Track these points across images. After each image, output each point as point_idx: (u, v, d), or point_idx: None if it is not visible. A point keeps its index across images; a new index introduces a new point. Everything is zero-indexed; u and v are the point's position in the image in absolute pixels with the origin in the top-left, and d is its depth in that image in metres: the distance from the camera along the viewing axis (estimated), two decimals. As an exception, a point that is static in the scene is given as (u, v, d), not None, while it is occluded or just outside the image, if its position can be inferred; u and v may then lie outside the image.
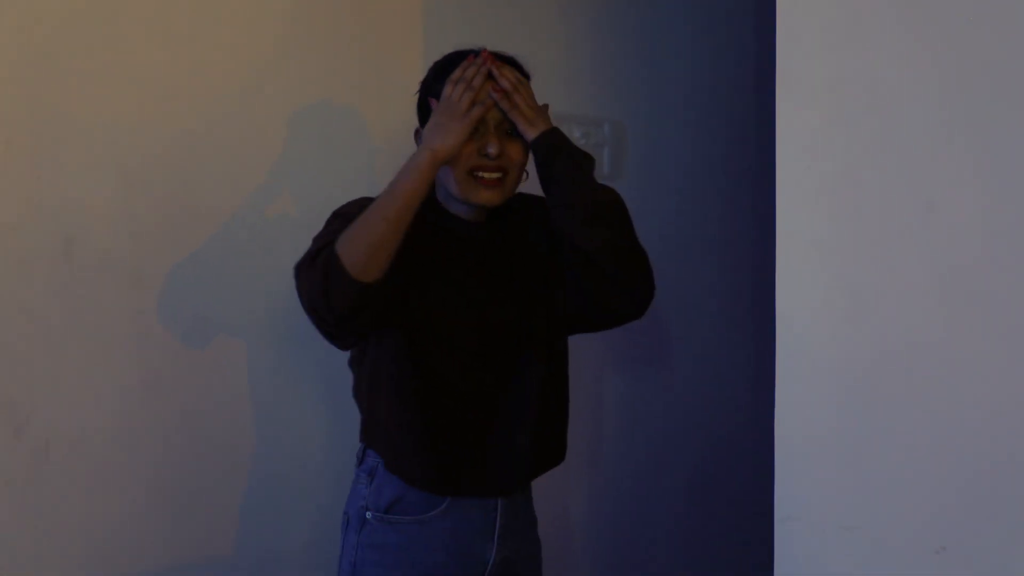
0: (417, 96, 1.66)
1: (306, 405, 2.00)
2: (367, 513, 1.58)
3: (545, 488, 1.78)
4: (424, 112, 1.62)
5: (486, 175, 1.56)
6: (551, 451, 1.69)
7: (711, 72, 2.83)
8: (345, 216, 1.51)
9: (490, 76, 1.56)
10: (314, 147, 2.00)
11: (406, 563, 1.56)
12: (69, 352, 1.72)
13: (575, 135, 2.44)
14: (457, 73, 1.55)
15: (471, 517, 1.59)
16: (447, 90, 1.54)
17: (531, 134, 1.56)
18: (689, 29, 2.77)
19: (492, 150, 1.54)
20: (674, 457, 2.74)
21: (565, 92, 2.43)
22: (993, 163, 0.97)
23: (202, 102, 1.85)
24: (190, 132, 1.84)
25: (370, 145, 2.08)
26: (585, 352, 1.98)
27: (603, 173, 2.51)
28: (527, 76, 1.65)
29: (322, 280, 1.40)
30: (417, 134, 1.62)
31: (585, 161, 1.58)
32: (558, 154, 1.55)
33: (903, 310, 1.06)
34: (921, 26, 1.03)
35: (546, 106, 1.63)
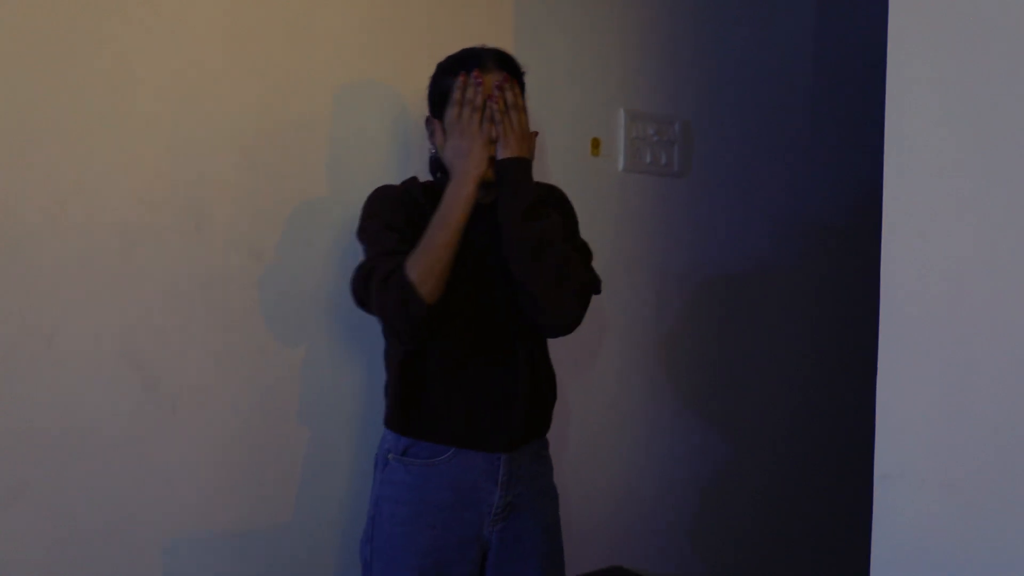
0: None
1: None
2: (389, 455, 1.79)
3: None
4: (435, 103, 1.79)
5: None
6: (539, 422, 1.85)
7: (770, 74, 2.95)
8: (381, 220, 1.72)
9: (498, 88, 1.72)
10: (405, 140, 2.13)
11: (416, 499, 1.75)
12: (196, 317, 1.85)
13: (649, 132, 2.57)
14: (457, 95, 1.72)
15: (475, 464, 1.77)
16: (453, 113, 1.71)
17: (504, 153, 1.71)
18: (751, 31, 2.89)
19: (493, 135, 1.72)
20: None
21: (640, 92, 2.56)
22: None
23: (316, 92, 1.99)
24: (303, 117, 1.97)
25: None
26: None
27: (673, 169, 2.64)
28: (521, 74, 1.80)
29: (400, 305, 1.61)
30: (428, 121, 1.81)
31: (538, 205, 1.72)
32: (515, 187, 1.71)
33: (998, 288, 1.17)
34: (1017, 27, 1.14)
35: (535, 133, 1.79)
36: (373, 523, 1.80)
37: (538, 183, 1.80)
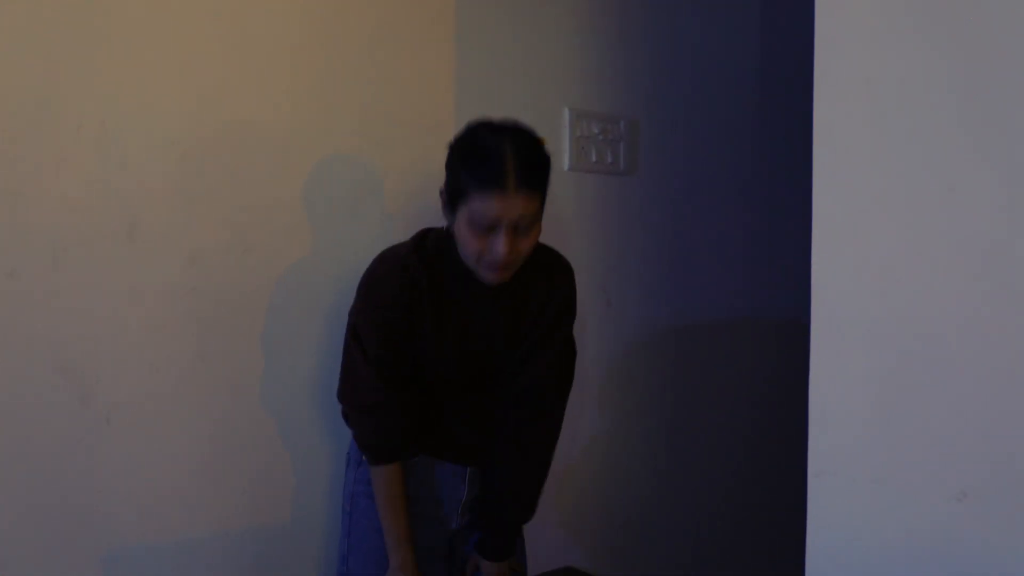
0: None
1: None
2: (362, 455, 1.85)
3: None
4: (449, 191, 1.69)
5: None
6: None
7: (717, 72, 2.97)
8: (376, 339, 1.74)
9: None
10: (356, 139, 2.11)
11: None
12: (130, 326, 1.81)
13: (594, 131, 2.57)
14: None
15: (445, 466, 1.89)
16: None
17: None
18: (697, 30, 2.90)
19: (500, 249, 1.63)
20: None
21: (585, 90, 2.56)
22: (1008, 151, 1.10)
23: (254, 92, 1.96)
24: (241, 121, 1.94)
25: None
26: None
27: (619, 168, 2.64)
28: (547, 157, 1.73)
29: (361, 447, 1.82)
30: (441, 194, 1.72)
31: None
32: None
33: (927, 280, 1.18)
34: (943, 28, 1.16)
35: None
36: (350, 518, 1.88)
37: (547, 254, 1.85)
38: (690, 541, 2.98)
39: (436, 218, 1.79)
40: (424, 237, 1.80)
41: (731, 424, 3.08)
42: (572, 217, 2.57)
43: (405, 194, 2.19)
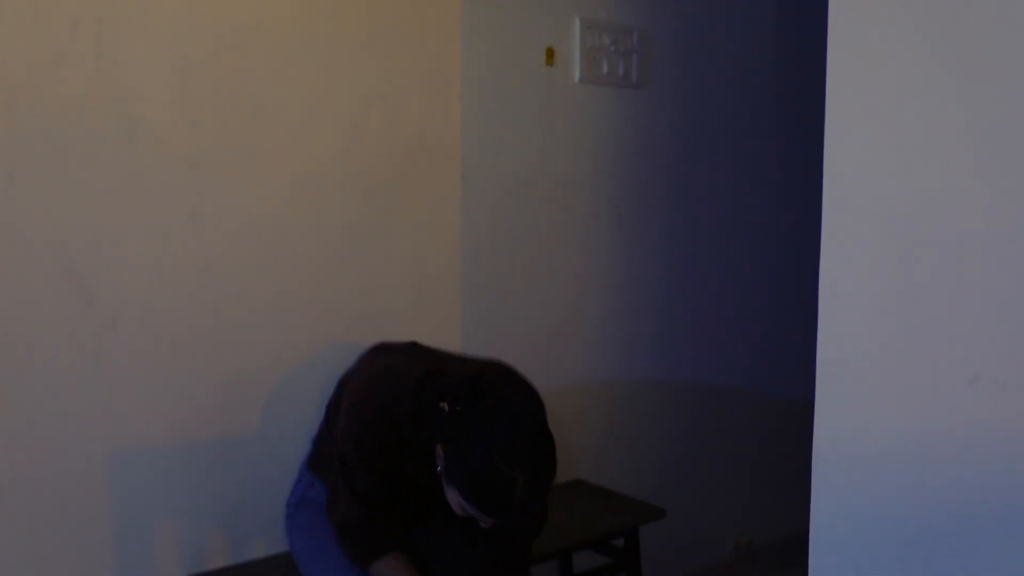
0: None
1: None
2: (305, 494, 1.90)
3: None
4: (454, 474, 1.61)
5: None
6: None
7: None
8: (367, 483, 1.71)
9: None
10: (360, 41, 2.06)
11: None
12: (133, 231, 1.79)
13: (606, 42, 2.50)
14: None
15: None
16: None
17: None
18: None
19: (485, 525, 1.66)
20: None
21: (596, 0, 2.50)
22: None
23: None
24: (243, 24, 1.89)
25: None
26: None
27: (631, 81, 2.59)
28: (554, 471, 1.67)
29: (352, 556, 1.75)
30: (440, 456, 1.65)
31: None
32: None
33: (942, 165, 1.14)
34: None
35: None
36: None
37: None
38: (694, 453, 2.98)
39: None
40: (421, 390, 1.71)
41: (740, 333, 3.07)
42: (582, 131, 2.52)
43: (410, 110, 2.16)
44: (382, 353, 1.84)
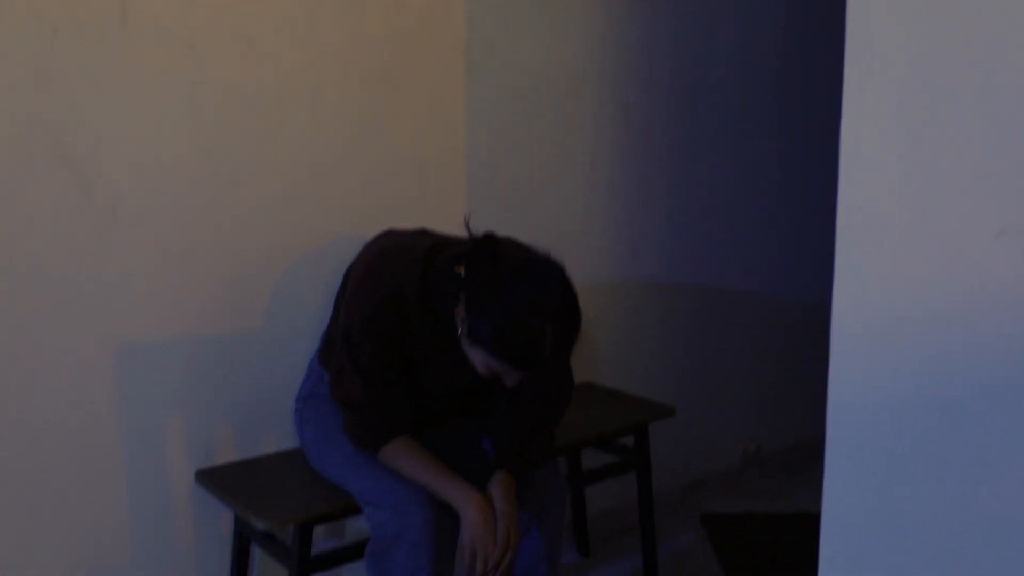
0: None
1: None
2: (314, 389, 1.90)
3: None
4: (478, 331, 1.56)
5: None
6: None
7: None
8: (371, 352, 1.66)
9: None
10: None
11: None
12: (129, 115, 1.74)
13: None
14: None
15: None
16: (476, 566, 1.65)
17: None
18: None
19: (513, 384, 1.65)
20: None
21: None
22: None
23: None
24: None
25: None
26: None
27: None
28: (579, 324, 1.65)
29: (358, 443, 1.72)
30: (459, 314, 1.61)
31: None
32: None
33: (964, 15, 1.08)
34: None
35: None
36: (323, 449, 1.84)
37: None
38: (704, 358, 2.97)
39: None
40: (429, 262, 1.68)
41: (752, 236, 3.03)
42: (590, 26, 2.44)
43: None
44: (389, 236, 1.80)
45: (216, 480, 1.87)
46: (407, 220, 2.05)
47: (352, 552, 1.84)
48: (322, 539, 2.13)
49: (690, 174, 2.79)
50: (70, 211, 1.70)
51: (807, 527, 2.75)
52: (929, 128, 1.12)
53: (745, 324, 3.06)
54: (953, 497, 1.15)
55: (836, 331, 1.27)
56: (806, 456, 3.29)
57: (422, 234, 1.78)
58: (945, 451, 1.15)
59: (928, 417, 1.17)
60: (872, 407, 1.24)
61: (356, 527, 2.17)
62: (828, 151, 3.18)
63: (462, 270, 1.60)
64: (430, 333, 1.68)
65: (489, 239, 1.60)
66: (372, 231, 1.89)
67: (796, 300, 3.22)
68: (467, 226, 1.66)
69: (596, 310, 2.59)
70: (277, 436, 2.04)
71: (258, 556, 2.04)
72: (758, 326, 3.10)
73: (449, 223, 1.99)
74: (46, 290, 1.69)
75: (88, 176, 1.71)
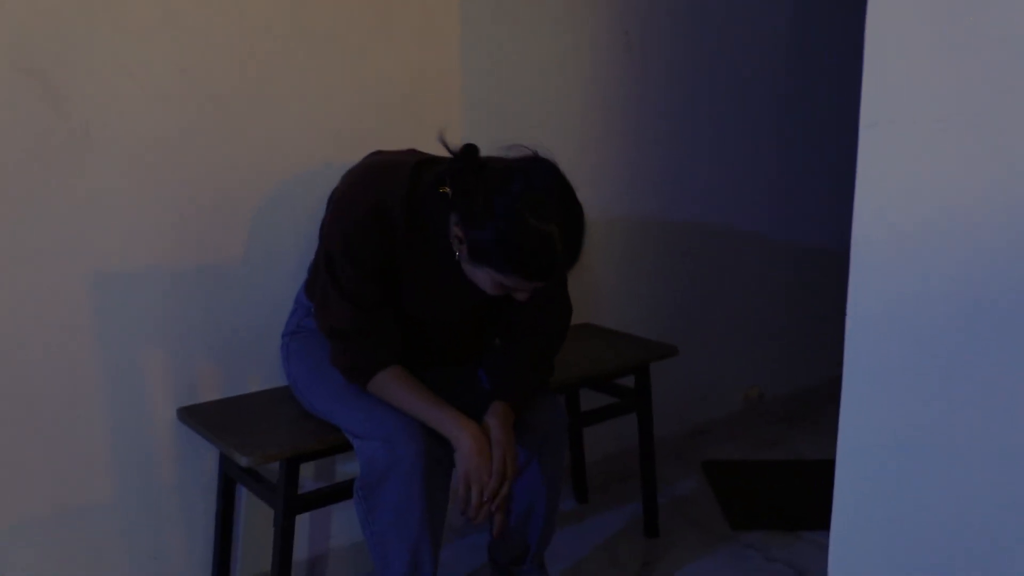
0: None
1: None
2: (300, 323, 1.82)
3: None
4: (481, 246, 1.47)
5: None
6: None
7: None
8: (355, 268, 1.56)
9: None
10: None
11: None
12: (102, 28, 1.63)
13: None
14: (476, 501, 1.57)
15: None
16: (471, 498, 1.56)
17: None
18: None
19: (524, 299, 1.56)
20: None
21: None
22: None
23: None
24: None
25: None
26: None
27: None
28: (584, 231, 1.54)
29: (346, 373, 1.63)
30: (458, 236, 1.51)
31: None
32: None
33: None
34: None
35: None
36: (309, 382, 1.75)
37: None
38: (704, 302, 2.89)
39: None
40: (416, 178, 1.56)
41: (758, 174, 2.94)
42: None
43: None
44: (374, 156, 1.70)
45: (199, 417, 1.79)
46: (400, 147, 1.95)
47: (342, 492, 1.76)
48: (310, 482, 2.05)
49: (693, 105, 2.68)
50: (38, 131, 1.60)
51: (809, 474, 2.70)
52: (961, 17, 1.03)
53: (748, 266, 2.97)
54: (981, 421, 1.07)
55: (857, 238, 1.18)
56: (808, 404, 3.23)
57: (410, 153, 1.67)
58: (970, 367, 1.07)
59: (954, 330, 1.09)
60: (894, 319, 1.16)
61: (347, 470, 2.10)
62: (842, 76, 3.09)
63: (447, 190, 1.50)
64: (419, 254, 1.59)
65: (470, 150, 1.50)
66: (360, 155, 1.79)
67: (801, 243, 3.13)
68: (442, 141, 1.54)
69: (592, 246, 2.50)
70: (263, 374, 1.95)
71: (245, 497, 1.96)
72: (762, 269, 3.02)
73: (443, 151, 1.89)
74: (13, 215, 1.59)
75: (57, 92, 1.60)
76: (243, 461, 1.61)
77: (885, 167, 1.14)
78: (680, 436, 2.88)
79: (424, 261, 1.60)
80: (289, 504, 1.69)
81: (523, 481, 1.74)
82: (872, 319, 1.19)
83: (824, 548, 2.13)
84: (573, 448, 2.48)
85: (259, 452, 1.62)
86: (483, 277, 1.52)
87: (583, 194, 1.56)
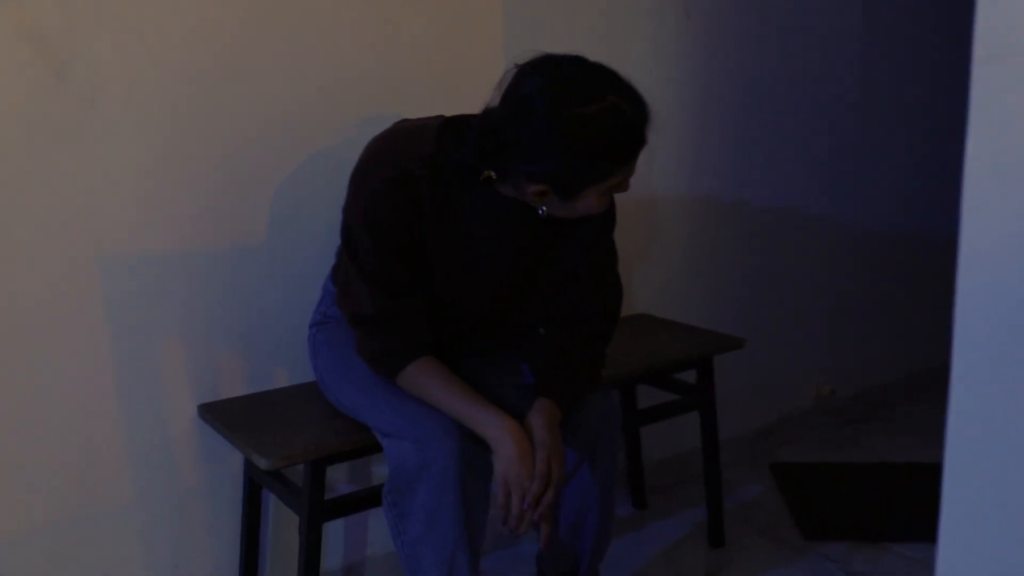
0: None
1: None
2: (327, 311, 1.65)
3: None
4: (575, 169, 1.31)
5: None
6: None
7: None
8: (379, 245, 1.40)
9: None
10: None
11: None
12: (108, -11, 1.50)
13: None
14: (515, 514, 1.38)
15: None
16: (511, 505, 1.38)
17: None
18: None
19: (627, 187, 1.41)
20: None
21: None
22: None
23: None
24: None
25: None
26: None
27: None
28: None
29: (373, 363, 1.46)
30: (541, 195, 1.35)
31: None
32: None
33: None
34: None
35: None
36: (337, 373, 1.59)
37: None
38: (772, 291, 2.67)
39: None
40: (444, 138, 1.40)
41: (828, 153, 2.71)
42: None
43: None
44: (399, 124, 1.53)
45: (219, 415, 1.64)
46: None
47: (377, 496, 1.58)
48: (343, 485, 1.90)
49: (759, 81, 2.47)
50: (40, 98, 1.46)
51: (889, 479, 2.47)
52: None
53: (818, 253, 2.74)
54: None
55: (969, 200, 0.98)
56: (883, 402, 2.99)
57: (437, 118, 1.50)
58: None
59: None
60: (1016, 295, 0.96)
61: (384, 472, 1.94)
62: (918, 51, 2.85)
63: (491, 173, 1.35)
64: (449, 225, 1.41)
65: (510, 96, 1.32)
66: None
67: (877, 229, 2.89)
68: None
69: (649, 229, 2.31)
70: (291, 368, 1.80)
71: (273, 501, 1.82)
72: (833, 256, 2.79)
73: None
74: (12, 192, 1.46)
75: (60, 56, 1.47)
76: (263, 463, 1.45)
77: (1005, 109, 0.93)
78: (745, 435, 2.67)
79: (455, 234, 1.42)
80: (315, 510, 1.53)
81: (573, 487, 1.55)
82: (988, 296, 0.98)
83: (913, 561, 1.89)
84: (629, 449, 2.29)
85: (279, 454, 1.46)
86: (587, 204, 1.36)
87: (641, 170, 1.39)
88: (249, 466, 1.73)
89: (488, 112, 1.34)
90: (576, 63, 1.32)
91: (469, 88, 1.90)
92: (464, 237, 1.43)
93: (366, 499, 1.61)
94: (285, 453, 1.46)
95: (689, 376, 2.08)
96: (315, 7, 1.70)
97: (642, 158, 1.39)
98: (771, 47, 2.48)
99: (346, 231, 1.44)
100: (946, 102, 2.95)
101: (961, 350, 1.01)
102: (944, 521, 1.07)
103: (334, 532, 1.91)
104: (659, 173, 2.29)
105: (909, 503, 2.31)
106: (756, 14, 2.42)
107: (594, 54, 1.36)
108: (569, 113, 1.26)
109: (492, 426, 1.36)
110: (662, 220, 2.33)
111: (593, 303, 1.54)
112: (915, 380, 3.11)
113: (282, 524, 1.83)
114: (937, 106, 2.97)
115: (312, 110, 1.74)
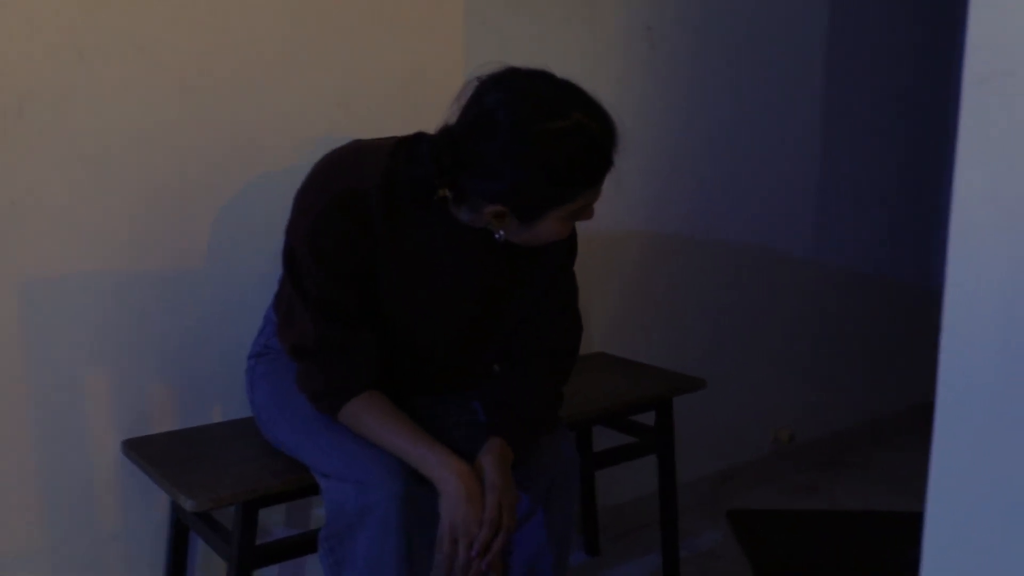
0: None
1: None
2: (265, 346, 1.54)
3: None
4: (536, 192, 1.25)
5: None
6: None
7: None
8: (324, 268, 1.29)
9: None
10: None
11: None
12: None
13: None
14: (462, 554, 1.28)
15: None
16: (457, 552, 1.27)
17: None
18: None
19: (590, 216, 1.35)
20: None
21: None
22: None
23: None
24: None
25: None
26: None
27: None
28: None
29: (314, 400, 1.36)
30: (499, 217, 1.28)
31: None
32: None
33: None
34: None
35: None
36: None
37: None
38: (733, 332, 2.62)
39: None
40: (398, 158, 1.31)
41: (800, 189, 2.68)
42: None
43: None
44: (350, 144, 1.44)
45: (145, 451, 1.52)
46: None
47: (314, 541, 1.48)
48: (281, 529, 1.78)
49: (725, 108, 2.43)
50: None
51: (852, 527, 2.41)
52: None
53: (782, 294, 2.70)
54: None
55: (957, 223, 0.92)
56: (845, 448, 2.94)
57: (392, 138, 1.41)
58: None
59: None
60: (1006, 326, 0.89)
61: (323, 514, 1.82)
62: (898, 82, 2.84)
63: (446, 192, 1.27)
64: (403, 251, 1.33)
65: (471, 114, 1.25)
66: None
67: (844, 270, 2.86)
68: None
69: (607, 264, 2.24)
70: (228, 403, 1.69)
71: (201, 547, 1.69)
72: (797, 298, 2.74)
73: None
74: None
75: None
76: (188, 504, 1.34)
77: (998, 131, 0.88)
78: (702, 481, 2.59)
79: (408, 260, 1.33)
80: (245, 556, 1.41)
81: (525, 533, 1.45)
82: (975, 330, 0.92)
83: (880, 617, 1.78)
84: (584, 493, 2.19)
85: (207, 495, 1.34)
86: (547, 229, 1.28)
87: (601, 204, 1.32)
88: (176, 508, 1.61)
89: (446, 127, 1.26)
90: (542, 77, 1.25)
91: (429, 115, 1.83)
92: (418, 263, 1.34)
93: (301, 544, 1.50)
94: (213, 495, 1.34)
95: (647, 418, 2.00)
96: (271, 25, 1.62)
97: (609, 187, 1.32)
98: (735, 81, 2.45)
99: (288, 254, 1.34)
100: (916, 137, 2.97)
101: (946, 385, 0.94)
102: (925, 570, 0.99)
103: (268, 580, 1.78)
104: (620, 205, 2.22)
105: (870, 552, 2.24)
106: (721, 47, 2.39)
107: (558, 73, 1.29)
108: (533, 129, 1.19)
109: (438, 466, 1.26)
110: (621, 254, 2.27)
111: (552, 340, 1.46)
112: (879, 427, 3.07)
113: (210, 572, 1.70)
114: (908, 144, 2.98)
115: (261, 130, 1.65)
